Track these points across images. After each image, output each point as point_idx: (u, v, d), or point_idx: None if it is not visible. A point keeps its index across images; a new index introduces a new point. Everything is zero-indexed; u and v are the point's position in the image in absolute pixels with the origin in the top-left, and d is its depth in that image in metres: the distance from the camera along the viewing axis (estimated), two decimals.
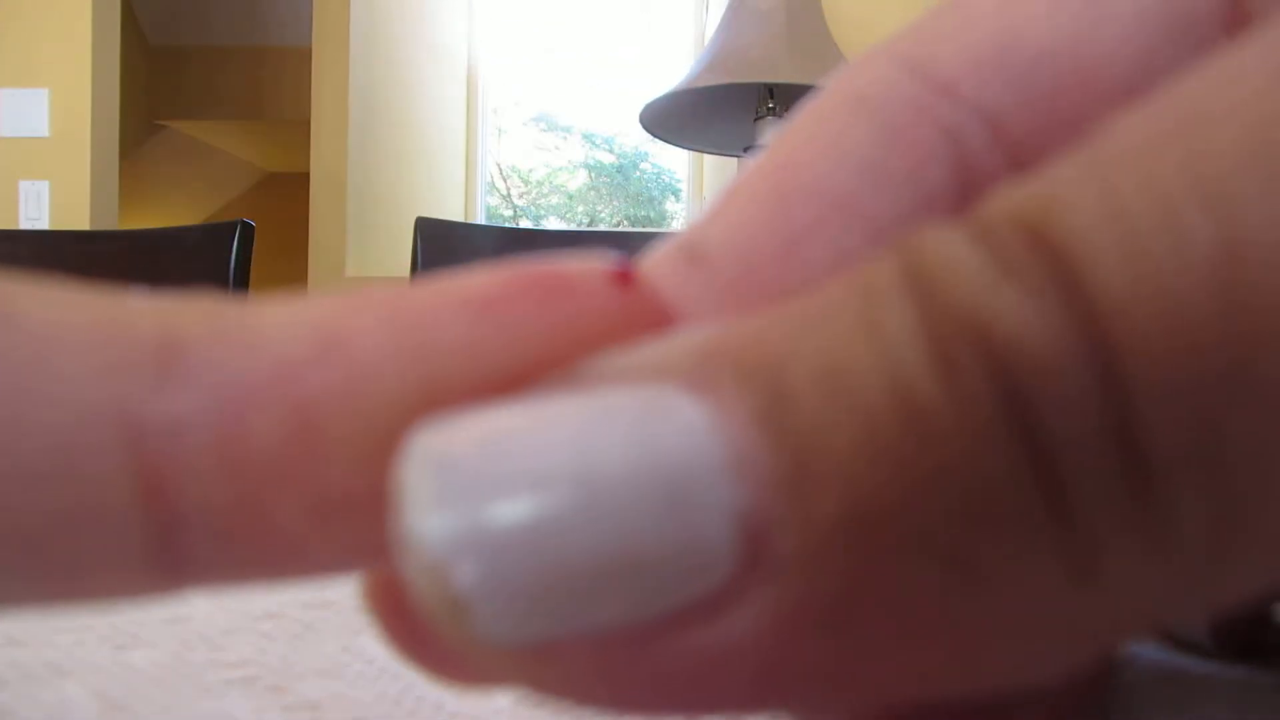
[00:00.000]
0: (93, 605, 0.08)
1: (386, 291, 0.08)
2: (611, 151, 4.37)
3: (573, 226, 4.33)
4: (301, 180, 2.87)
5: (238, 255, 1.01)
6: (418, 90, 3.02)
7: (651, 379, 0.08)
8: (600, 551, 0.07)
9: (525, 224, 4.26)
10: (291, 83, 4.02)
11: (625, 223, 4.29)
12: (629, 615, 0.07)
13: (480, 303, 0.08)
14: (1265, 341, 0.06)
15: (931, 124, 0.10)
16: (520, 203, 4.37)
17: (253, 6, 4.17)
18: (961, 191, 0.10)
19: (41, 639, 0.26)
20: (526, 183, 4.37)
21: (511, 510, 0.07)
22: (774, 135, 0.11)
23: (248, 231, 1.02)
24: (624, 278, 0.08)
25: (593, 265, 0.08)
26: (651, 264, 0.10)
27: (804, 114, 0.11)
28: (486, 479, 0.07)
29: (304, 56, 2.84)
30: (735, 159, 2.01)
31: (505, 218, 4.19)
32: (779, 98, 1.70)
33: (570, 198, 4.41)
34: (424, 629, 0.07)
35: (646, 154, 4.28)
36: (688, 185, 3.29)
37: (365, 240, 2.74)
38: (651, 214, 4.31)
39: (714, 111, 1.80)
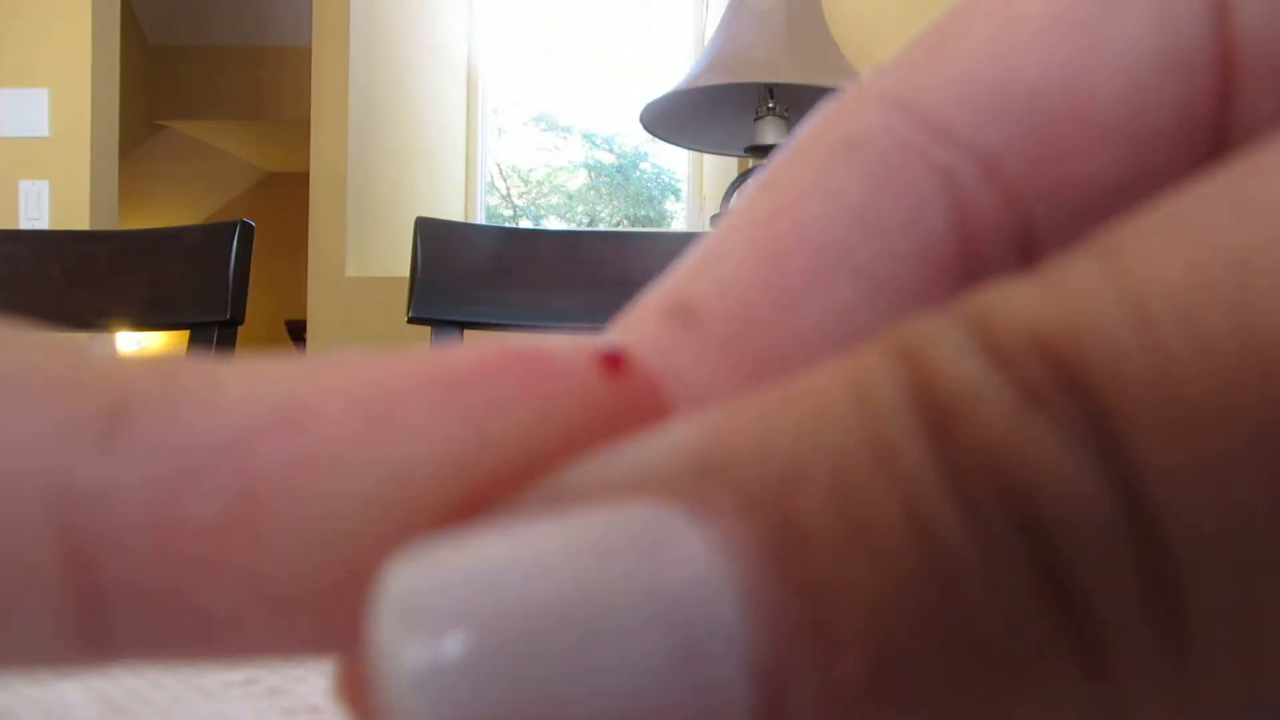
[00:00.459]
0: (18, 673, 0.08)
1: (354, 361, 0.08)
2: (611, 151, 4.37)
3: (573, 226, 4.33)
4: (301, 180, 2.86)
5: (238, 255, 1.01)
6: (418, 90, 3.02)
7: (648, 498, 0.07)
8: (601, 700, 0.06)
9: (525, 224, 4.26)
10: (291, 83, 4.02)
11: (625, 222, 4.29)
12: None
13: (454, 383, 0.07)
14: None
15: (925, 167, 0.09)
16: (520, 203, 4.37)
17: (253, 6, 4.17)
18: (959, 236, 0.09)
19: None
20: (526, 183, 4.37)
21: (493, 643, 0.06)
22: (761, 179, 0.10)
23: (248, 231, 1.02)
24: (613, 362, 0.08)
25: (580, 347, 0.08)
26: (638, 323, 0.10)
27: (791, 157, 0.10)
28: (470, 612, 0.07)
29: (304, 56, 2.83)
30: (735, 159, 2.01)
31: (505, 218, 4.19)
32: (779, 98, 1.70)
33: (570, 198, 4.41)
34: None
35: (646, 154, 4.28)
36: (688, 185, 3.29)
37: (365, 240, 2.74)
38: (651, 214, 4.31)
39: (714, 111, 1.80)
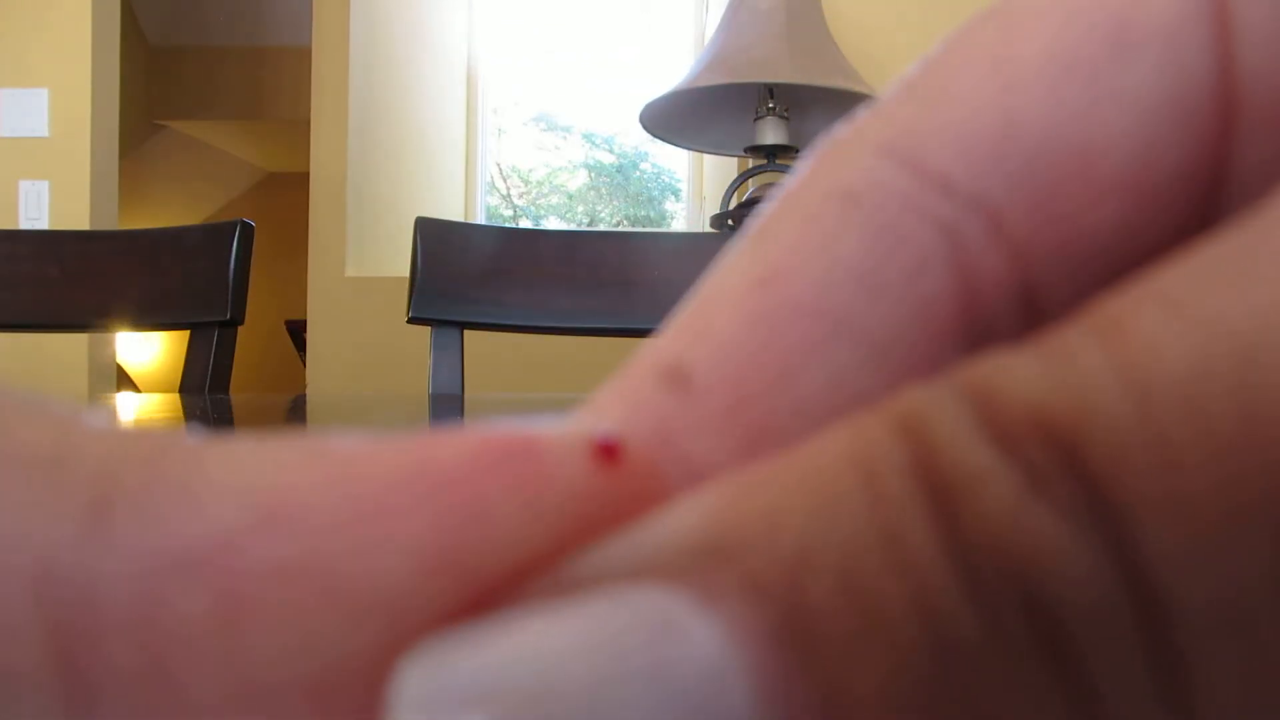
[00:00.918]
0: None
1: (340, 450, 0.08)
2: (611, 151, 4.37)
3: (573, 226, 4.33)
4: (301, 180, 2.87)
5: (238, 255, 1.01)
6: (418, 90, 3.02)
7: (655, 585, 0.07)
8: None
9: (525, 224, 4.26)
10: (291, 83, 4.02)
11: (625, 223, 4.29)
12: None
13: (442, 480, 0.07)
14: None
15: (927, 222, 0.09)
16: (520, 203, 4.37)
17: (252, 7, 4.17)
18: (962, 293, 0.09)
19: None
20: (526, 183, 4.37)
21: None
22: (755, 229, 0.10)
23: (248, 231, 1.02)
24: (609, 452, 0.08)
25: (573, 437, 0.08)
26: (632, 388, 0.09)
27: (786, 208, 0.10)
28: (485, 704, 0.07)
29: (304, 56, 2.83)
30: (735, 159, 2.01)
31: (505, 218, 4.19)
32: (779, 98, 1.70)
33: (570, 198, 4.41)
34: None
35: (646, 154, 4.28)
36: (688, 185, 3.29)
37: (365, 240, 2.74)
38: (651, 214, 4.31)
39: (714, 111, 1.80)
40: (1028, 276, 0.09)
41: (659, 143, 1.89)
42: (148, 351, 5.00)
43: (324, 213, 2.67)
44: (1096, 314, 0.07)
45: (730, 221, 1.72)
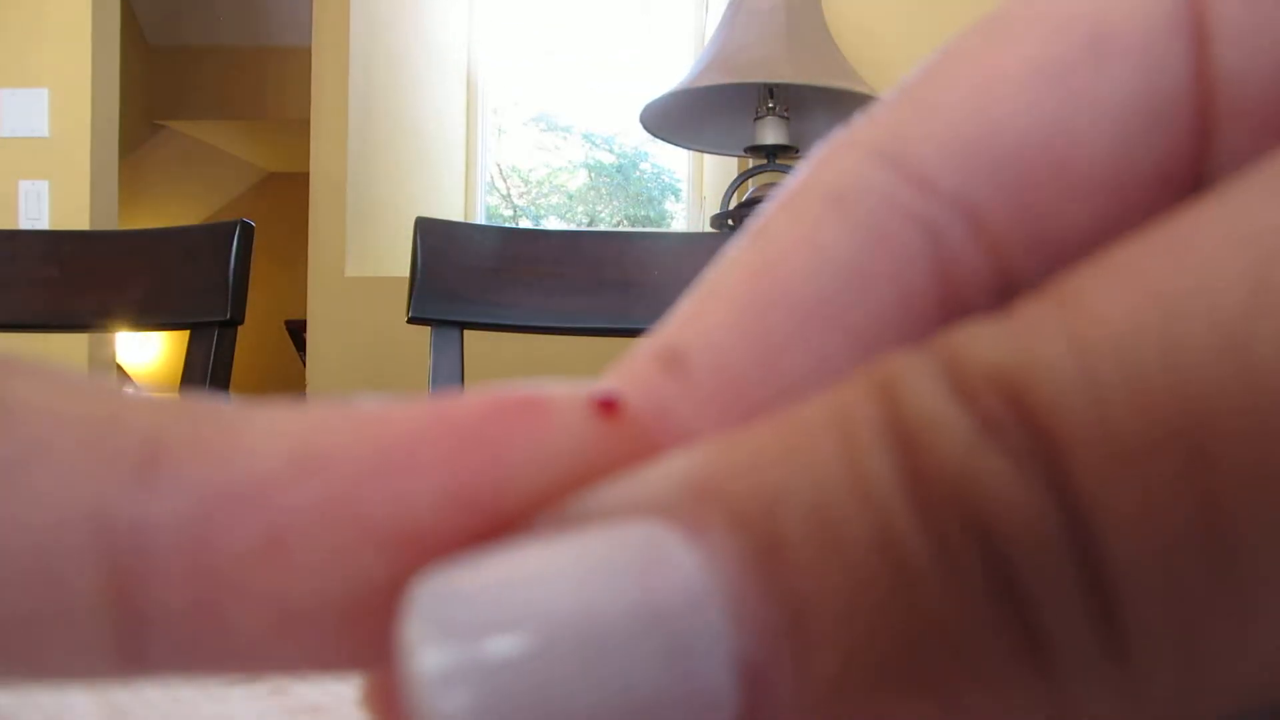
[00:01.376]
0: (54, 686, 0.08)
1: (366, 408, 0.09)
2: (611, 151, 4.37)
3: (573, 226, 4.33)
4: (301, 180, 2.87)
5: (238, 255, 1.01)
6: (418, 90, 3.02)
7: (644, 519, 0.08)
8: (601, 698, 0.07)
9: (525, 224, 4.26)
10: (291, 83, 4.02)
11: (625, 223, 4.29)
12: None
13: (459, 427, 0.08)
14: (1236, 536, 0.07)
15: (910, 219, 0.10)
16: (520, 203, 4.37)
17: (253, 7, 4.17)
18: (941, 286, 0.10)
19: None
20: (526, 183, 4.37)
21: (511, 648, 0.07)
22: (753, 227, 0.11)
23: (248, 231, 1.02)
24: (607, 406, 0.09)
25: (576, 393, 0.09)
26: (631, 369, 0.10)
27: (782, 207, 0.10)
28: (489, 619, 0.07)
29: (304, 56, 2.83)
30: (735, 159, 2.01)
31: (505, 218, 4.19)
32: (779, 98, 1.70)
33: (570, 198, 4.41)
34: None
35: (646, 154, 4.28)
36: (688, 185, 3.29)
37: (365, 240, 2.74)
38: (651, 214, 4.31)
39: (714, 111, 1.80)
40: (1006, 270, 0.10)
41: (659, 143, 1.89)
42: (148, 351, 4.99)
43: (324, 213, 2.66)
44: (1060, 286, 0.08)
45: (730, 221, 1.72)
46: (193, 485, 0.08)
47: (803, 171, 0.11)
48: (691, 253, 1.03)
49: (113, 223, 2.49)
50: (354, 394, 0.09)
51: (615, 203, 4.35)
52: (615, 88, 4.02)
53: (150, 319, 1.01)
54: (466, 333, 0.98)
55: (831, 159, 0.10)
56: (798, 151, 1.77)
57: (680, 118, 1.81)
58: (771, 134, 1.71)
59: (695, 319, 0.10)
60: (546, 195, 4.43)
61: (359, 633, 0.08)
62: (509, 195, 4.31)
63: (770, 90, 1.70)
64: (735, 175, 1.94)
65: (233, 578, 0.08)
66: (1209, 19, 0.09)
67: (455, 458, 0.08)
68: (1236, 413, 0.07)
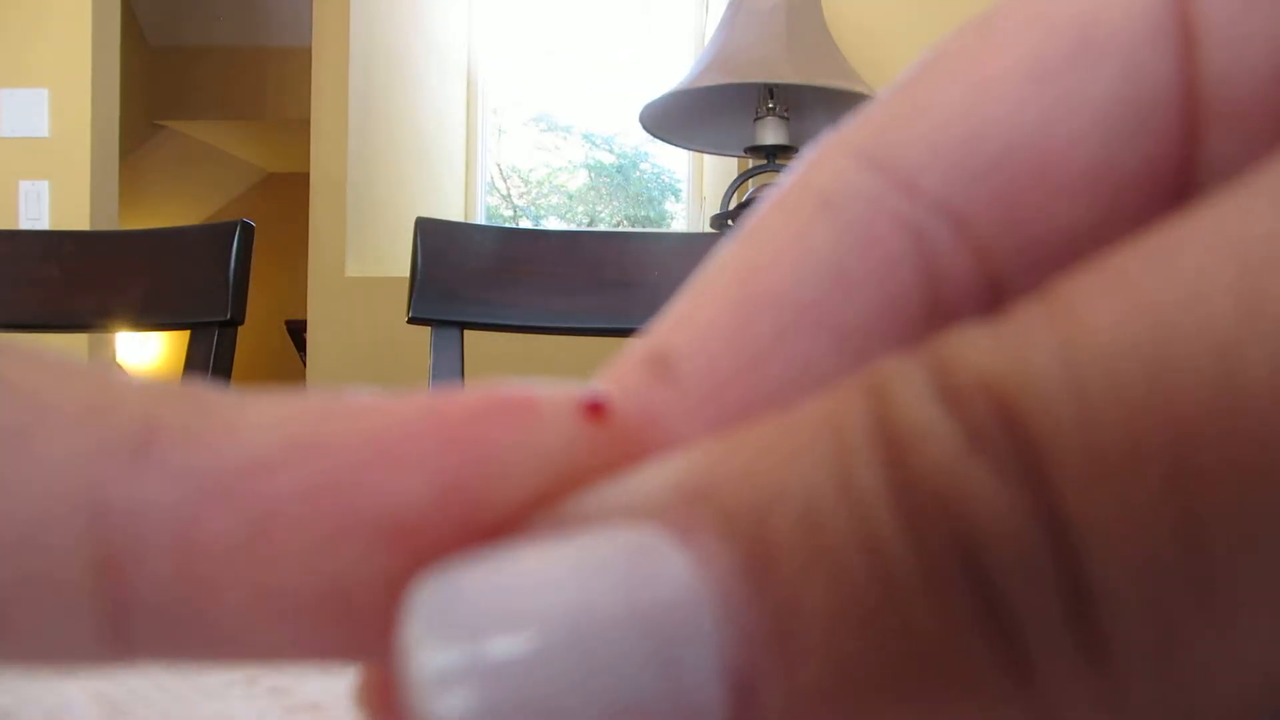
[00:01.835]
0: (43, 669, 0.08)
1: (360, 400, 0.09)
2: (611, 151, 4.37)
3: (573, 226, 4.33)
4: (301, 180, 2.87)
5: (238, 255, 1.01)
6: (418, 90, 3.02)
7: (637, 522, 0.08)
8: (593, 700, 0.07)
9: (525, 224, 4.26)
10: (291, 83, 4.02)
11: (625, 223, 4.29)
12: None
13: (450, 422, 0.08)
14: (1216, 552, 0.07)
15: (896, 223, 0.10)
16: (520, 203, 4.37)
17: (253, 7, 4.17)
18: (927, 290, 0.10)
19: None
20: (526, 183, 4.37)
21: (511, 650, 0.07)
22: (742, 230, 0.11)
23: (248, 231, 1.02)
24: (596, 409, 0.09)
25: (566, 394, 0.09)
26: (621, 373, 0.10)
27: (771, 211, 0.10)
28: (489, 621, 0.07)
29: (304, 56, 2.83)
30: (735, 159, 2.01)
31: (505, 218, 4.19)
32: (779, 98, 1.70)
33: (570, 198, 4.41)
34: None
35: (646, 154, 4.28)
36: (688, 185, 3.29)
37: (365, 240, 2.74)
38: (651, 214, 4.31)
39: (714, 111, 1.80)
40: (993, 273, 0.10)
41: (659, 143, 1.89)
42: (148, 351, 4.99)
43: (324, 213, 2.66)
44: (1050, 293, 0.08)
45: (730, 222, 1.72)
46: (183, 470, 0.08)
47: (792, 174, 0.11)
48: (691, 253, 1.03)
49: (113, 223, 2.49)
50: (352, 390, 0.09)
51: (615, 203, 4.35)
52: (615, 88, 4.02)
53: (150, 319, 1.01)
54: (466, 333, 0.98)
55: (820, 162, 0.10)
56: (797, 151, 1.77)
57: (680, 118, 1.81)
58: (771, 134, 1.71)
59: (684, 322, 0.10)
60: (546, 195, 4.43)
61: (344, 624, 0.08)
62: (509, 195, 4.31)
63: (770, 90, 1.70)
64: (735, 175, 1.94)
65: (219, 564, 0.08)
66: (1196, 22, 0.09)
67: (444, 453, 0.08)
68: (1220, 429, 0.07)
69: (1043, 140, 0.09)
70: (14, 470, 0.08)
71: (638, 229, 4.09)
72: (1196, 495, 0.07)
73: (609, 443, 0.09)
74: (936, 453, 0.07)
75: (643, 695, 0.07)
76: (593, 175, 4.38)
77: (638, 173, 4.36)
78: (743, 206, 1.71)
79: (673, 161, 4.03)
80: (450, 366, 0.97)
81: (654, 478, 0.08)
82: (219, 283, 0.99)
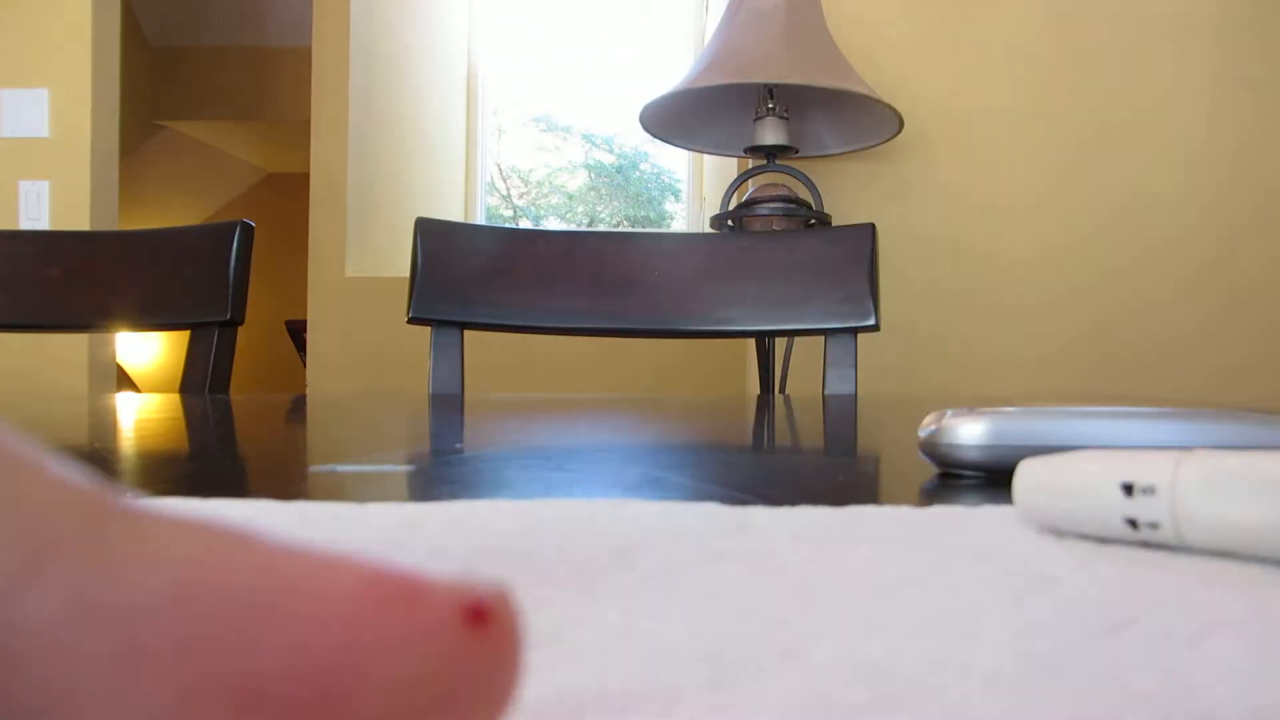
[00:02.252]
0: None
1: (254, 547, 0.09)
2: (611, 151, 4.37)
3: (573, 226, 4.33)
4: (301, 180, 2.87)
5: (238, 255, 1.01)
6: (418, 90, 3.02)
7: None
8: None
9: (525, 224, 4.26)
10: (291, 83, 4.02)
11: (625, 223, 4.29)
12: None
13: (330, 598, 0.08)
14: None
15: None
16: (520, 203, 4.37)
17: (253, 7, 4.17)
18: None
19: None
20: (526, 183, 4.37)
21: None
22: None
23: (248, 231, 1.02)
24: (478, 616, 0.09)
25: (455, 591, 0.09)
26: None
27: None
28: None
29: (304, 56, 2.84)
30: (735, 159, 2.01)
31: (505, 218, 4.19)
32: (779, 98, 1.70)
33: (570, 198, 4.41)
34: None
35: (646, 154, 4.28)
36: (687, 185, 3.29)
37: (365, 240, 2.74)
38: (651, 214, 4.31)
39: (714, 111, 1.80)
40: None
41: (659, 143, 1.89)
42: (148, 351, 4.99)
43: (324, 213, 2.66)
44: None
45: (730, 222, 1.72)
46: (68, 602, 0.08)
47: None
48: (691, 253, 1.03)
49: (113, 223, 2.49)
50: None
51: (615, 203, 4.35)
52: (615, 88, 4.02)
53: (150, 319, 1.01)
54: (466, 333, 0.98)
55: None
56: (797, 151, 1.77)
57: (680, 118, 1.81)
58: (771, 134, 1.71)
59: None
60: (546, 195, 4.43)
61: None
62: (509, 195, 4.31)
63: (770, 90, 1.70)
64: (735, 175, 1.94)
65: (87, 685, 0.08)
66: None
67: (315, 629, 0.08)
68: None
69: None
70: None
71: (638, 229, 4.09)
72: None
73: (483, 650, 0.09)
74: None
75: None
76: (593, 175, 4.38)
77: (638, 173, 4.36)
78: (743, 206, 1.71)
79: (673, 161, 4.04)
80: (450, 366, 0.97)
81: None
82: (219, 283, 0.99)
